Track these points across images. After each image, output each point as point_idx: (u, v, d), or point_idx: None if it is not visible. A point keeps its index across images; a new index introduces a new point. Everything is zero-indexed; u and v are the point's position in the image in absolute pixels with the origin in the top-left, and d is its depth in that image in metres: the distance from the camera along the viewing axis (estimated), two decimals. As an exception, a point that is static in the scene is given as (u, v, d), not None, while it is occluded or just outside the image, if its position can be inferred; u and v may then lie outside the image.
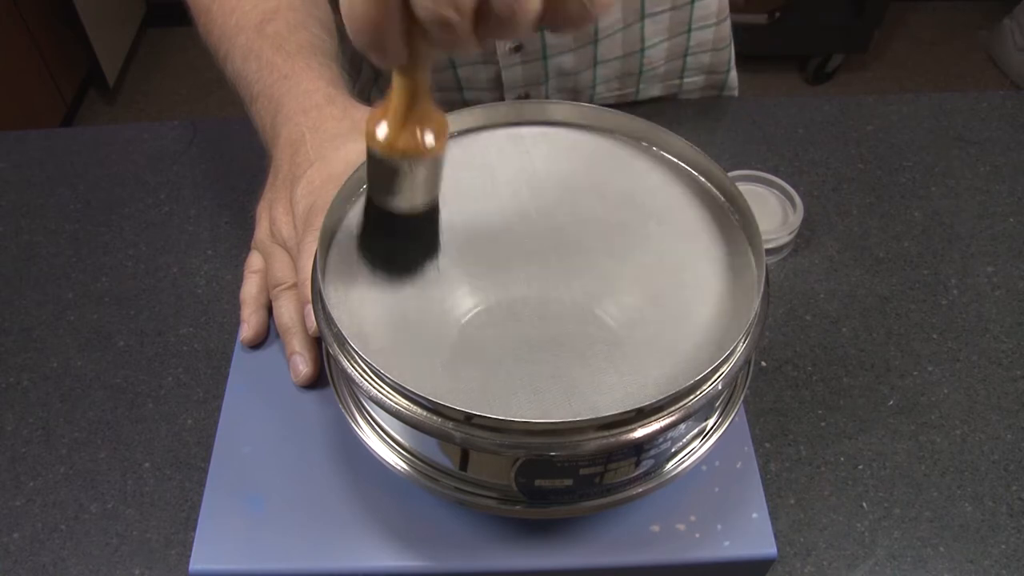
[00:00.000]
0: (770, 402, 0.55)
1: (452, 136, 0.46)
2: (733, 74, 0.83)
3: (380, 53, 0.28)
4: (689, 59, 0.78)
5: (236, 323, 0.49)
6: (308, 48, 0.54)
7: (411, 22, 0.26)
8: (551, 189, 0.44)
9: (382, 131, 0.32)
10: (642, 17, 0.73)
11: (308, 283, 0.41)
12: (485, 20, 0.26)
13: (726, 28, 0.78)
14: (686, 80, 0.80)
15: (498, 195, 0.44)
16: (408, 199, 0.35)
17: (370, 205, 0.36)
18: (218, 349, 0.58)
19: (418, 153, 0.33)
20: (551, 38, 0.72)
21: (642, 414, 0.33)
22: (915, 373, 0.57)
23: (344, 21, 0.27)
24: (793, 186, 0.64)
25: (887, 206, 0.68)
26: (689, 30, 0.75)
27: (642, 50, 0.76)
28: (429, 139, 0.32)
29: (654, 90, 0.80)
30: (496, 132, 0.46)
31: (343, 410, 0.40)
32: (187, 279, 0.63)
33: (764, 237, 0.45)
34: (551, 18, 0.27)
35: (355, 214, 0.42)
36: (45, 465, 0.53)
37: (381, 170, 0.34)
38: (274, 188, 0.50)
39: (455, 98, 0.78)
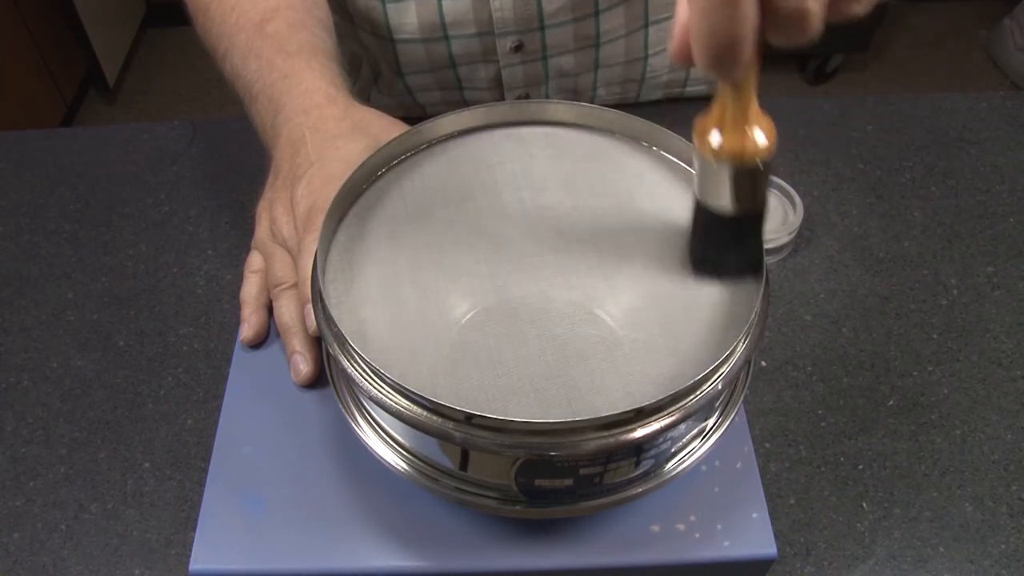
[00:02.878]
0: (770, 402, 0.55)
1: (452, 136, 0.46)
2: None
3: (731, 68, 0.29)
4: (693, 70, 0.78)
5: (236, 323, 0.49)
6: (308, 48, 0.54)
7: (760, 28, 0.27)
8: (551, 189, 0.44)
9: (717, 139, 0.33)
10: (646, 24, 0.73)
11: (308, 283, 0.41)
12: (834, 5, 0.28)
13: None
14: (688, 89, 0.80)
15: (498, 195, 0.44)
16: (741, 203, 0.36)
17: (700, 210, 0.37)
18: (218, 349, 0.58)
19: (757, 156, 0.34)
20: (552, 38, 0.72)
21: (642, 414, 0.33)
22: (915, 373, 0.57)
23: (695, 42, 0.28)
24: (793, 186, 0.64)
25: (887, 206, 0.68)
26: None
27: (645, 58, 0.76)
28: (763, 141, 0.33)
29: (655, 95, 0.80)
30: (496, 132, 0.46)
31: (343, 410, 0.40)
32: (187, 279, 0.63)
33: (764, 237, 0.45)
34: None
35: (354, 213, 0.42)
36: (45, 465, 0.53)
37: (717, 177, 0.35)
38: (274, 188, 0.50)
39: (455, 97, 0.78)
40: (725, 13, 0.26)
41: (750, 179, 0.35)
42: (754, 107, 0.33)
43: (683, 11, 0.29)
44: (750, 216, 0.37)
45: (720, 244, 0.39)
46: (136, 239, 0.66)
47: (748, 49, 0.28)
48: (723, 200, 0.36)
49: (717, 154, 0.34)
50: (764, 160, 0.34)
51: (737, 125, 0.33)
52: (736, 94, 0.32)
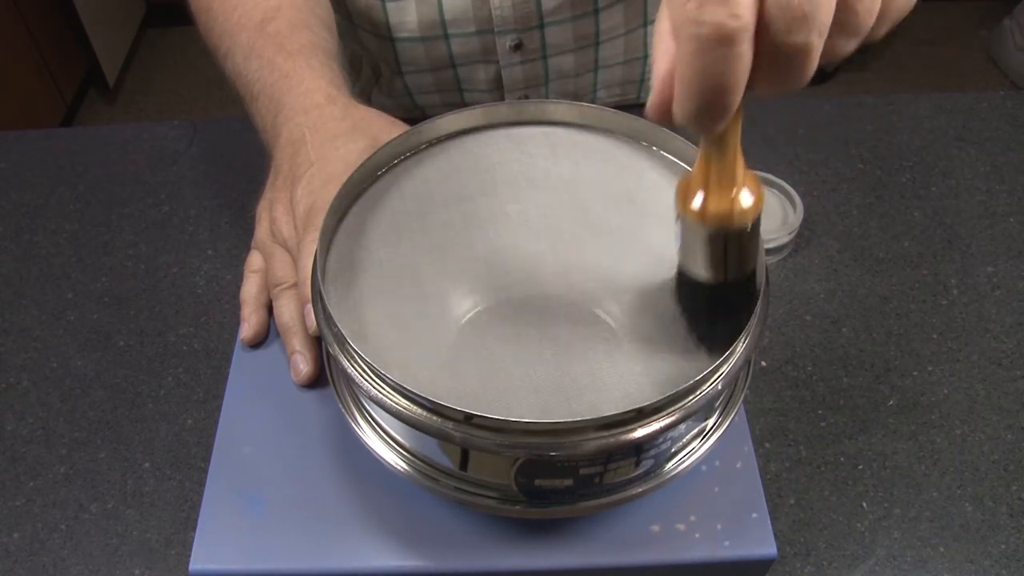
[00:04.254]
0: (770, 402, 0.55)
1: (452, 136, 0.46)
2: None
3: (719, 118, 0.26)
4: None
5: (236, 323, 0.49)
6: (309, 47, 0.54)
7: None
8: (551, 189, 0.44)
9: (701, 201, 0.30)
10: (645, 23, 0.73)
11: (308, 283, 0.41)
12: (834, 34, 0.25)
13: None
14: None
15: (498, 195, 0.44)
16: (730, 269, 0.33)
17: (685, 279, 0.35)
18: (218, 349, 0.58)
19: (745, 217, 0.31)
20: (551, 37, 0.72)
21: (642, 414, 0.33)
22: (915, 373, 0.57)
23: (681, 89, 0.25)
24: (793, 186, 0.64)
25: (887, 206, 0.68)
26: None
27: (645, 56, 0.76)
28: (750, 201, 0.30)
29: None
30: (496, 132, 0.46)
31: (343, 410, 0.40)
32: (187, 279, 0.63)
33: (764, 237, 0.45)
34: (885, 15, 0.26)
35: (355, 213, 0.42)
36: (45, 465, 0.53)
37: (704, 243, 0.32)
38: (274, 188, 0.50)
39: (455, 100, 0.78)
40: (719, 53, 0.23)
41: (739, 243, 0.32)
42: (740, 164, 0.30)
43: (663, 61, 0.26)
44: (740, 282, 0.34)
45: (709, 313, 0.36)
46: (136, 239, 0.66)
47: (738, 95, 0.25)
48: (711, 267, 0.33)
49: (703, 218, 0.31)
50: (752, 222, 0.31)
51: (723, 185, 0.30)
52: (721, 151, 0.29)
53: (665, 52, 0.26)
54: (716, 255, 0.32)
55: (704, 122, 0.26)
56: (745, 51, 0.23)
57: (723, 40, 0.23)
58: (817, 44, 0.24)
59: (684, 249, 0.34)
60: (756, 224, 0.32)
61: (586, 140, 0.46)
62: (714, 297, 0.35)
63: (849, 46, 0.26)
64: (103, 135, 0.76)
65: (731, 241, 0.32)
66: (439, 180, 0.44)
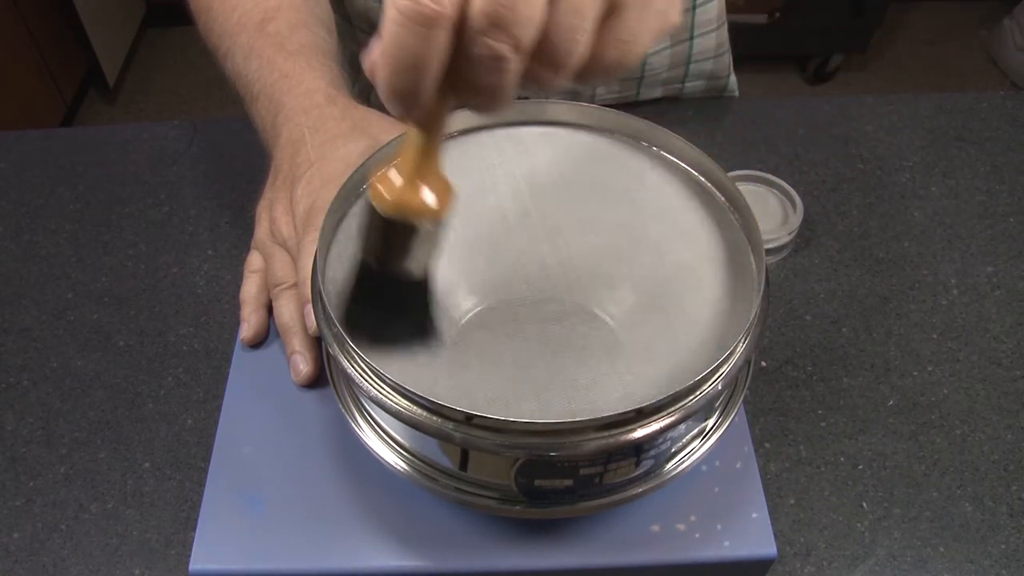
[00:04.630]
0: (770, 402, 0.55)
1: (452, 136, 0.46)
2: (732, 78, 0.83)
3: (412, 100, 0.27)
4: (692, 66, 0.78)
5: (236, 323, 0.49)
6: (309, 47, 0.54)
7: (448, 68, 0.26)
8: (551, 189, 0.44)
9: (386, 186, 0.32)
10: None
11: (308, 283, 0.41)
12: (535, 61, 0.26)
13: (725, 32, 0.78)
14: (687, 85, 0.80)
15: (498, 195, 0.44)
16: (398, 263, 0.34)
17: (363, 264, 0.35)
18: (218, 349, 0.58)
19: (421, 215, 0.32)
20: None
21: (642, 414, 0.33)
22: (915, 373, 0.57)
23: (382, 59, 0.26)
24: (793, 186, 0.64)
25: (887, 206, 0.68)
26: (691, 37, 0.75)
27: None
28: (431, 203, 0.32)
29: (655, 92, 0.80)
30: (496, 132, 0.46)
31: (343, 410, 0.40)
32: (187, 279, 0.63)
33: (764, 237, 0.45)
34: (592, 67, 0.27)
35: (354, 213, 0.42)
36: (45, 465, 0.53)
37: (378, 228, 0.33)
38: (274, 188, 0.50)
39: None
40: (417, 31, 0.25)
41: (408, 239, 0.33)
42: (433, 165, 0.31)
43: None
44: (410, 282, 0.35)
45: (372, 300, 0.36)
46: (136, 239, 0.66)
47: (431, 80, 0.26)
48: (379, 254, 0.34)
49: (382, 200, 0.32)
50: (427, 224, 0.32)
51: (414, 179, 0.31)
52: (418, 143, 0.30)
53: None
54: (382, 241, 0.33)
55: (400, 101, 0.27)
56: (441, 38, 0.25)
57: (421, 20, 0.25)
58: (509, 56, 0.25)
59: (363, 225, 0.34)
60: (432, 233, 0.33)
61: (586, 140, 0.46)
62: (377, 283, 0.35)
63: (553, 78, 0.27)
64: (103, 135, 0.76)
65: (400, 234, 0.33)
66: (439, 180, 0.44)
